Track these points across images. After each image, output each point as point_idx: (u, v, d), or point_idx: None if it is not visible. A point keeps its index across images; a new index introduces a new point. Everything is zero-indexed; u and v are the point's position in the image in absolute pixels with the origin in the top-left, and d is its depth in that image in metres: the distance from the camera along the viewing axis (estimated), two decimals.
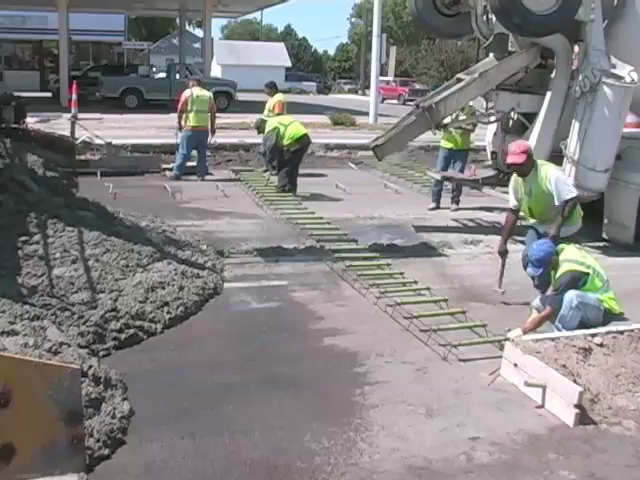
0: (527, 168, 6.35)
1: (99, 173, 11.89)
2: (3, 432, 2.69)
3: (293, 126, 11.10)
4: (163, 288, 5.84)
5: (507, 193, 10.81)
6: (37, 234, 6.26)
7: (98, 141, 13.47)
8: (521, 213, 6.72)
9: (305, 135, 11.17)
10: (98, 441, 3.66)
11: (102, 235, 6.51)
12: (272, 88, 13.02)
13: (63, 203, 7.30)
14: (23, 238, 6.11)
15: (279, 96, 12.86)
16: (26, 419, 2.73)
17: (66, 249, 6.12)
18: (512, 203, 6.64)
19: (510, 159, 6.37)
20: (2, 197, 6.60)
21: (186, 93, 12.10)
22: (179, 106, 12.14)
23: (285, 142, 10.96)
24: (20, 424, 2.72)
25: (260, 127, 11.60)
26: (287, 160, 11.06)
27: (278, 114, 12.21)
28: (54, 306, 5.09)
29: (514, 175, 6.60)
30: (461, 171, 10.52)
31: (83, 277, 5.69)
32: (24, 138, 11.34)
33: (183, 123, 12.13)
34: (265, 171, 12.41)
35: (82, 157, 12.63)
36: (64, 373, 2.80)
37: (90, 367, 4.13)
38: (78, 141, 13.21)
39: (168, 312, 5.57)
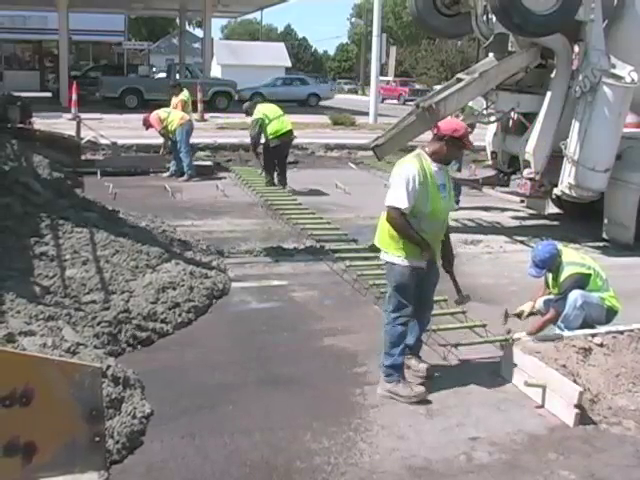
0: None
1: (99, 173, 11.89)
2: (25, 431, 2.71)
3: (277, 122, 11.09)
4: (174, 289, 5.85)
5: (507, 193, 10.96)
6: (46, 236, 6.29)
7: (103, 141, 13.49)
8: (422, 224, 4.49)
9: (288, 132, 11.20)
10: (117, 443, 3.67)
11: (110, 236, 6.56)
12: (176, 87, 14.06)
13: (68, 204, 7.33)
14: (33, 240, 6.13)
15: (184, 94, 13.76)
16: (47, 418, 2.75)
17: (76, 250, 6.16)
18: (406, 204, 4.40)
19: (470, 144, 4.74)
20: (9, 199, 6.63)
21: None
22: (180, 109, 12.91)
23: (267, 135, 11.05)
24: (41, 423, 2.74)
25: (249, 111, 11.61)
26: (270, 155, 11.22)
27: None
28: (67, 306, 5.11)
29: (423, 161, 4.53)
30: (458, 170, 10.49)
31: (94, 278, 5.72)
32: (30, 138, 11.37)
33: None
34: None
35: (83, 157, 12.63)
36: (85, 372, 2.82)
37: (108, 367, 4.14)
38: (83, 141, 13.22)
39: (179, 314, 5.58)
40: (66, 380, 2.75)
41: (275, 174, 11.39)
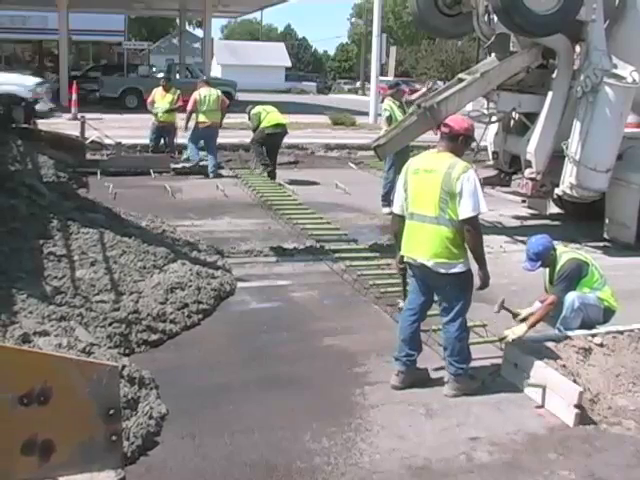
0: None
1: (99, 173, 11.89)
2: (43, 429, 2.73)
3: (274, 114, 12.25)
4: (182, 289, 5.85)
5: (509, 193, 10.95)
6: (54, 237, 6.30)
7: (107, 141, 13.50)
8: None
9: (283, 125, 12.23)
10: (132, 444, 3.66)
11: (117, 237, 6.58)
12: (169, 81, 14.26)
13: (74, 206, 7.34)
14: (40, 241, 6.14)
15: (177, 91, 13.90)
16: (65, 416, 2.76)
17: (83, 251, 6.18)
18: (486, 207, 4.46)
19: None
20: (14, 201, 6.65)
21: (194, 95, 12.63)
22: (189, 107, 12.69)
23: (263, 124, 12.02)
24: (60, 421, 2.75)
25: (249, 114, 12.50)
26: (259, 138, 12.14)
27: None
28: (78, 307, 5.12)
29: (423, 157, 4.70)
30: None
31: (103, 279, 5.73)
32: (34, 138, 11.40)
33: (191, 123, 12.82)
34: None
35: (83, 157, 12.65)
36: (103, 371, 2.83)
37: (124, 367, 4.15)
38: (88, 141, 13.24)
39: (188, 315, 5.57)
40: (84, 379, 2.77)
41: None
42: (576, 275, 5.28)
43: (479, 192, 4.35)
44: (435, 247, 4.43)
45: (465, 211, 4.32)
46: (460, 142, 4.53)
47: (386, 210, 9.88)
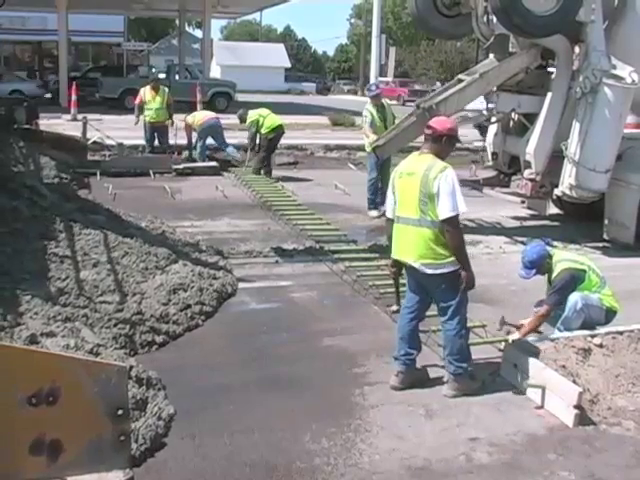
0: None
1: (98, 174, 11.89)
2: (51, 429, 2.73)
3: (270, 117, 12.71)
4: (184, 290, 5.86)
5: (508, 194, 10.96)
6: (56, 238, 6.31)
7: (109, 142, 13.51)
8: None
9: (280, 125, 12.73)
10: (140, 446, 3.65)
11: (119, 238, 6.59)
12: (157, 81, 14.44)
13: (75, 207, 7.35)
14: (43, 242, 6.14)
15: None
16: (74, 417, 2.77)
17: (86, 252, 6.18)
18: (465, 207, 4.44)
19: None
20: (16, 202, 6.65)
21: (188, 120, 13.62)
22: (187, 133, 13.67)
23: (263, 131, 12.56)
24: (68, 422, 2.76)
25: (242, 117, 13.00)
26: (263, 146, 12.70)
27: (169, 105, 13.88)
28: (83, 308, 5.13)
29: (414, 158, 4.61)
30: None
31: (106, 280, 5.74)
32: (36, 139, 11.41)
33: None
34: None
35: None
36: (111, 371, 2.84)
37: (131, 368, 4.15)
38: (90, 142, 13.25)
39: (191, 316, 5.58)
40: (92, 379, 2.78)
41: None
42: (569, 287, 5.23)
43: (457, 192, 4.33)
44: (420, 249, 4.44)
45: (443, 211, 4.31)
46: (444, 143, 4.53)
47: (374, 213, 9.90)
